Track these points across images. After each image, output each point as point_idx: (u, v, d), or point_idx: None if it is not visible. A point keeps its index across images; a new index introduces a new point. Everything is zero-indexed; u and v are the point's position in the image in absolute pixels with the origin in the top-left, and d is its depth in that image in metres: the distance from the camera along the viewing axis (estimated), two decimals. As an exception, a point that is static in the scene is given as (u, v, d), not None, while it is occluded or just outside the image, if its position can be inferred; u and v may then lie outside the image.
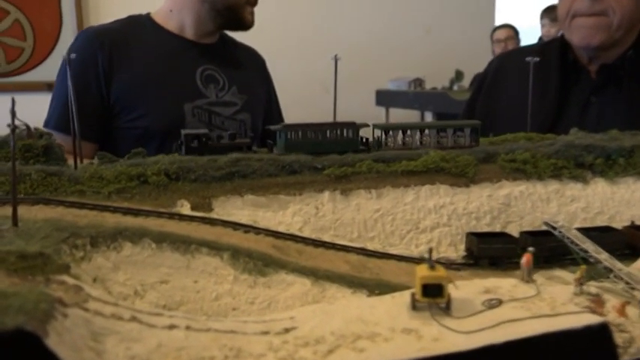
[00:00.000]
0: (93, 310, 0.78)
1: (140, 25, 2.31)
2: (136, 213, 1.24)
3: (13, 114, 1.02)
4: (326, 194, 1.47)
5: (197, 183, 1.40)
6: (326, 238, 1.41)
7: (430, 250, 0.97)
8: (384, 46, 6.14)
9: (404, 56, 6.25)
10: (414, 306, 0.92)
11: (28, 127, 1.29)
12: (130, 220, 1.20)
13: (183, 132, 1.55)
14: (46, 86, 4.41)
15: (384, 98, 6.22)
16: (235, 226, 1.27)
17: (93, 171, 1.34)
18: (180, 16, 2.31)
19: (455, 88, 6.07)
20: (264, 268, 1.15)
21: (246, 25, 2.32)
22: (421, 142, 1.71)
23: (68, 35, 4.91)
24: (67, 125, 2.02)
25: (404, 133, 1.70)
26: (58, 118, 2.15)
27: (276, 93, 2.68)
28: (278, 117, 2.66)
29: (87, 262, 1.05)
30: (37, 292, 0.72)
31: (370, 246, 1.43)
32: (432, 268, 0.92)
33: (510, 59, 2.75)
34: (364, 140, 1.70)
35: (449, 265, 1.37)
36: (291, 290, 1.14)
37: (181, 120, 2.17)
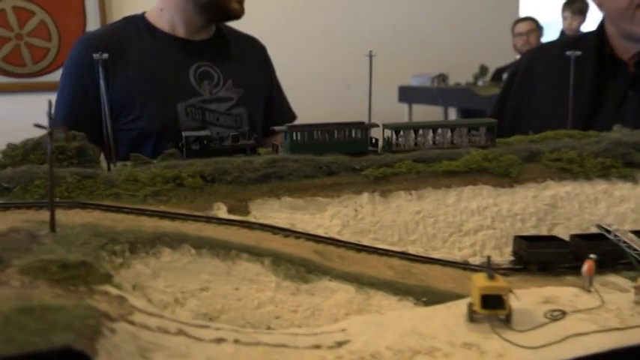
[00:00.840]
0: (139, 324, 0.74)
1: (134, 26, 2.31)
2: (173, 217, 1.20)
3: (50, 117, 0.99)
4: (365, 196, 1.42)
5: (233, 185, 1.36)
6: (366, 241, 1.36)
7: (489, 259, 0.91)
8: (406, 41, 6.05)
9: (427, 51, 6.15)
10: (472, 318, 0.86)
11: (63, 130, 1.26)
12: (167, 225, 1.16)
13: (184, 134, 1.49)
14: (71, 85, 4.44)
15: (407, 94, 6.13)
16: (274, 230, 1.23)
17: (128, 174, 1.31)
18: (169, 14, 2.30)
19: (479, 83, 5.96)
20: (307, 274, 1.11)
21: (234, 14, 2.28)
22: (434, 142, 1.65)
23: (92, 35, 4.91)
24: (73, 126, 2.17)
25: (415, 133, 1.64)
26: (61, 119, 2.17)
27: (277, 80, 2.63)
28: (281, 105, 2.61)
29: (126, 269, 1.01)
30: (84, 306, 0.68)
31: (412, 249, 1.37)
32: (491, 277, 0.86)
33: (541, 54, 2.66)
34: (373, 141, 1.64)
35: (495, 270, 1.31)
36: (335, 298, 1.09)
37: (174, 120, 2.18)
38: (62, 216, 1.11)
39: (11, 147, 1.45)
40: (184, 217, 1.20)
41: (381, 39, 5.61)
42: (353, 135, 1.57)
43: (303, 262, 1.13)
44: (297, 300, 1.08)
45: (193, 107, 2.21)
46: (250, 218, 1.31)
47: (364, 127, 1.58)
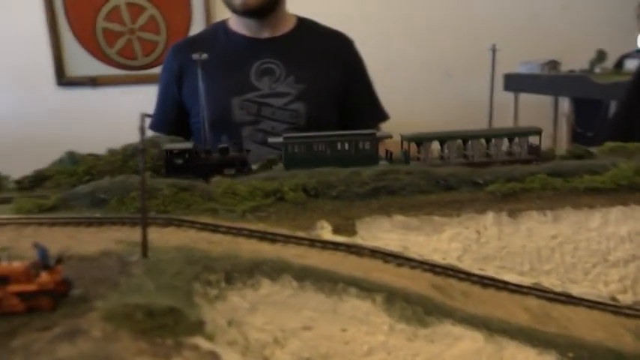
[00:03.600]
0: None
1: (215, 30, 2.44)
2: (273, 238, 1.08)
3: (143, 132, 0.89)
4: (489, 216, 1.22)
5: (338, 200, 1.21)
6: (490, 270, 1.17)
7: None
8: (513, 25, 5.60)
9: (537, 36, 5.65)
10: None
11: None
12: (267, 249, 1.04)
13: (164, 147, 1.35)
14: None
15: (514, 83, 5.68)
16: (386, 257, 1.07)
17: (226, 186, 1.21)
18: (235, 17, 2.38)
19: (596, 70, 5.38)
20: (426, 316, 0.94)
21: (240, 10, 2.25)
22: (464, 156, 1.41)
23: (198, 29, 5.00)
24: (162, 126, 2.32)
25: (442, 144, 1.40)
26: (153, 121, 2.39)
27: (367, 78, 2.49)
28: (368, 105, 2.47)
29: (221, 302, 0.90)
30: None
31: (546, 282, 1.16)
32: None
33: None
34: (388, 154, 1.42)
35: (656, 315, 1.07)
36: (459, 347, 0.92)
37: (228, 112, 2.22)
38: (156, 236, 1.02)
39: (111, 152, 1.41)
40: (285, 239, 1.08)
41: (485, 23, 5.22)
42: (360, 147, 1.36)
43: (421, 301, 0.96)
44: (413, 347, 0.91)
45: (249, 101, 2.25)
46: (357, 239, 1.16)
47: (374, 139, 1.37)
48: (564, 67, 5.47)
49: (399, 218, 1.21)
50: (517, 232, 1.22)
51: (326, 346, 0.91)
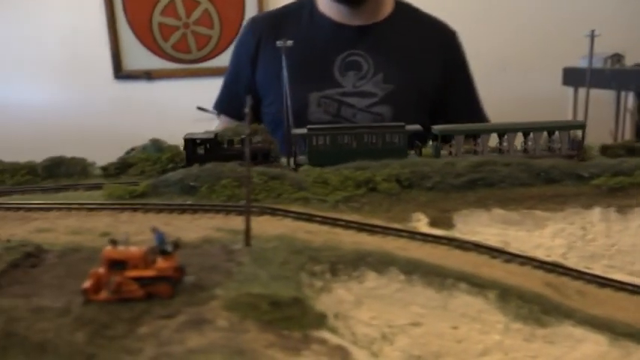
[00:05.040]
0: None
1: (300, 8, 2.11)
2: (372, 230, 1.03)
3: (248, 117, 0.85)
4: (596, 211, 1.14)
5: (434, 192, 1.16)
6: (597, 268, 1.09)
7: None
8: (574, 16, 5.37)
9: (599, 28, 5.42)
10: None
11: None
12: (367, 241, 0.99)
13: (185, 136, 1.29)
14: (231, 71, 4.57)
15: (573, 77, 5.43)
16: (492, 252, 1.01)
17: (316, 175, 1.17)
18: None
19: (664, 63, 5.12)
20: (543, 315, 0.88)
21: None
22: (500, 150, 1.32)
23: (250, 23, 5.01)
24: (226, 107, 2.15)
25: (475, 138, 1.31)
26: (218, 99, 2.21)
27: (468, 75, 2.18)
28: (466, 104, 2.15)
29: (327, 294, 0.86)
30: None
31: (659, 283, 1.07)
32: None
33: None
34: (417, 146, 1.34)
35: None
36: (581, 350, 0.85)
37: (303, 109, 1.95)
38: (253, 224, 0.99)
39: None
40: (384, 231, 1.03)
41: (544, 14, 5.03)
42: (388, 140, 1.28)
43: (537, 299, 0.90)
44: (531, 349, 0.85)
45: (329, 99, 1.98)
46: (455, 233, 1.10)
47: (404, 131, 1.28)
48: (629, 61, 5.22)
49: (498, 212, 1.14)
50: (626, 229, 1.13)
51: (437, 344, 0.86)
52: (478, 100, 2.17)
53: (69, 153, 1.47)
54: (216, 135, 1.31)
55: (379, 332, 0.86)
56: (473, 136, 1.34)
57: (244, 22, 2.31)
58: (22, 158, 1.40)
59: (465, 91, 2.15)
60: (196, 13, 5.12)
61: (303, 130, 1.31)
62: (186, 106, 4.47)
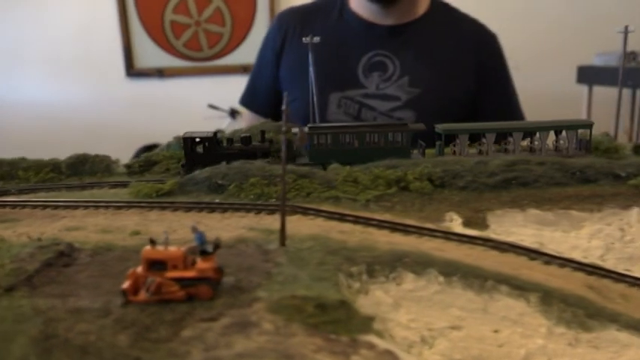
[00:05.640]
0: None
1: (331, 5, 2.05)
2: (405, 230, 1.01)
3: (286, 115, 0.83)
4: (634, 212, 1.11)
5: (467, 192, 1.13)
6: (637, 271, 1.06)
7: None
8: (589, 14, 5.31)
9: (614, 26, 5.36)
10: None
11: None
12: (402, 241, 0.97)
13: (183, 135, 1.27)
14: (242, 69, 4.55)
15: (588, 75, 5.37)
16: (530, 253, 0.98)
17: (346, 174, 1.14)
18: None
19: (680, 62, 5.05)
20: (587, 319, 0.85)
21: None
22: (505, 149, 1.30)
23: (261, 21, 4.99)
24: (251, 100, 2.11)
25: (479, 137, 1.29)
26: (244, 94, 2.17)
27: (506, 77, 2.06)
28: (503, 107, 2.02)
29: (364, 296, 0.84)
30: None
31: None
32: None
33: None
34: (421, 146, 1.31)
35: None
36: (628, 355, 0.82)
37: (323, 108, 1.86)
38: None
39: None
40: (418, 231, 1.00)
41: (558, 12, 4.98)
42: (391, 139, 1.26)
43: (580, 302, 0.87)
44: (576, 354, 0.82)
45: (350, 100, 1.92)
46: (490, 233, 1.07)
47: (406, 130, 1.26)
48: (644, 59, 5.16)
49: (533, 212, 1.11)
50: (666, 230, 1.10)
51: (478, 348, 0.83)
52: (516, 108, 2.04)
53: (81, 150, 1.45)
54: (215, 134, 1.30)
55: (418, 335, 0.84)
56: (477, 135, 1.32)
57: (273, 17, 2.25)
58: (32, 155, 1.38)
59: (502, 98, 2.02)
60: (208, 11, 5.10)
61: (305, 129, 1.30)
62: (197, 104, 4.47)
